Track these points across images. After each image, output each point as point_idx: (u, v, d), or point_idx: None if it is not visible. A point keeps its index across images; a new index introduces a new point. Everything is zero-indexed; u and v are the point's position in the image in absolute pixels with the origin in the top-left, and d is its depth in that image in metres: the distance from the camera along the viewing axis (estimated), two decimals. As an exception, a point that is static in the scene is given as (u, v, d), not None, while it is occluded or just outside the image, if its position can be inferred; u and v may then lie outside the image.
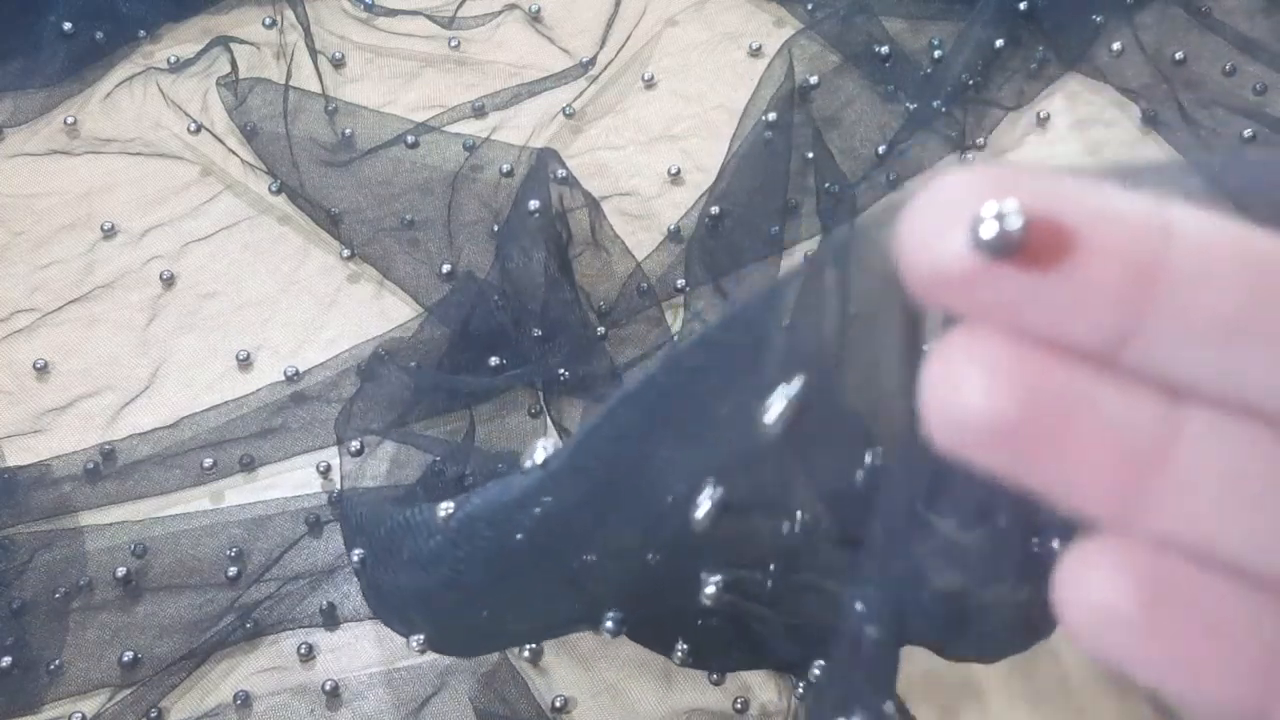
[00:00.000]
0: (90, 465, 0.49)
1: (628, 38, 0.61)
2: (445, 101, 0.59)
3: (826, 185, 0.55)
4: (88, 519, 0.48)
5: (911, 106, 0.57)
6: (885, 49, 0.58)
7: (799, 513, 0.27)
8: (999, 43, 0.58)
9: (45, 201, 0.56)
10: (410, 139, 0.56)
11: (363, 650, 0.46)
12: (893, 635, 0.26)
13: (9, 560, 0.47)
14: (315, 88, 0.58)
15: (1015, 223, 0.15)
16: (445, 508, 0.31)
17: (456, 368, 0.50)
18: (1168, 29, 0.59)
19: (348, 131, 0.57)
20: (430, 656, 0.44)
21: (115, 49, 0.60)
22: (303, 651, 0.46)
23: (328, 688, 0.45)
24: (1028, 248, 0.15)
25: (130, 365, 0.52)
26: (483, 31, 0.61)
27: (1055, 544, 0.23)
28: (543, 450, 0.27)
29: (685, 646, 0.33)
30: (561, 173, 0.54)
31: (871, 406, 0.23)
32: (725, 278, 0.53)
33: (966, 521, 0.25)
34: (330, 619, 0.46)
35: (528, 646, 0.45)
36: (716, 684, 0.45)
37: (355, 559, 0.41)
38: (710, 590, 0.28)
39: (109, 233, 0.55)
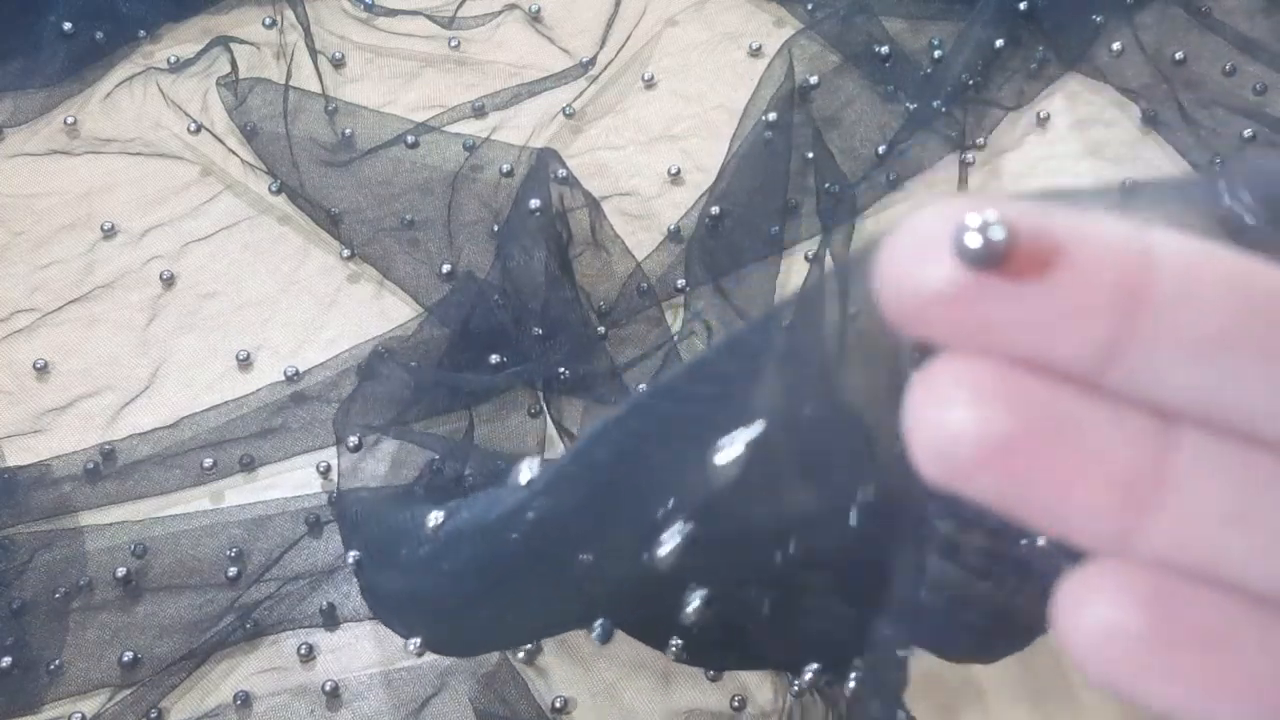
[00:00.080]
0: (90, 465, 0.49)
1: (628, 38, 0.61)
2: (445, 101, 0.59)
3: (826, 185, 0.55)
4: (88, 519, 0.48)
5: (911, 106, 0.57)
6: (885, 49, 0.58)
7: (791, 540, 0.26)
8: (999, 43, 0.58)
9: (45, 201, 0.56)
10: (410, 139, 0.56)
11: (363, 651, 0.46)
12: (904, 642, 0.26)
13: (9, 560, 0.47)
14: (315, 88, 0.58)
15: (999, 233, 0.15)
16: (435, 517, 0.31)
17: (456, 367, 0.50)
18: (1168, 29, 0.59)
19: (348, 131, 0.57)
20: (430, 657, 0.44)
21: (115, 49, 0.60)
22: (303, 652, 0.46)
23: (328, 688, 0.45)
24: (1011, 260, 0.15)
25: (130, 365, 0.52)
26: (483, 31, 0.61)
27: (1041, 541, 0.23)
28: (527, 470, 0.27)
29: (680, 642, 0.33)
30: (561, 173, 0.54)
31: (871, 410, 0.23)
32: (725, 278, 0.53)
33: (962, 522, 0.25)
34: (330, 619, 0.46)
35: (523, 647, 0.45)
36: (713, 680, 0.45)
37: (351, 560, 0.42)
38: (693, 606, 0.28)
39: (109, 233, 0.55)
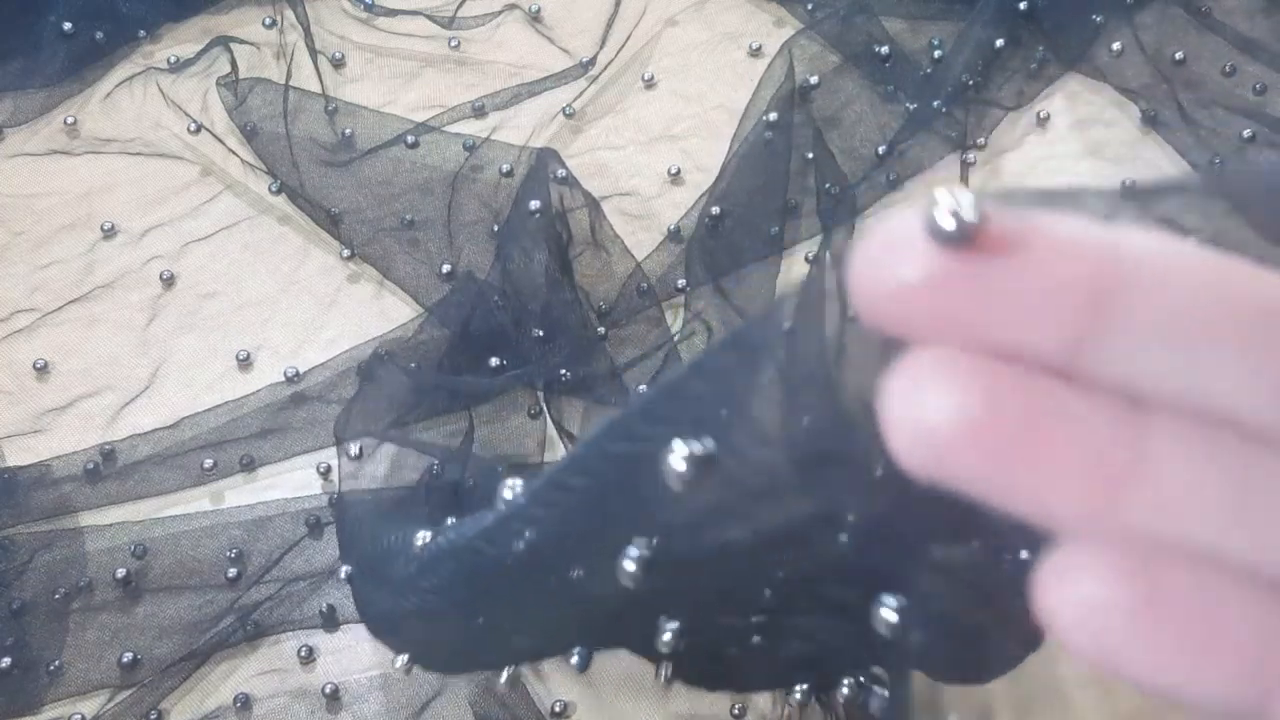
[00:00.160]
0: (90, 465, 0.49)
1: (628, 38, 0.60)
2: (445, 101, 0.58)
3: (827, 185, 0.55)
4: (88, 519, 0.48)
5: (911, 106, 0.57)
6: (885, 49, 0.58)
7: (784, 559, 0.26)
8: (999, 43, 0.58)
9: (45, 201, 0.56)
10: (410, 139, 0.56)
11: (363, 653, 0.46)
12: (904, 665, 0.26)
13: (9, 560, 0.47)
14: (315, 88, 0.58)
15: (970, 213, 0.16)
16: (422, 536, 0.31)
17: (456, 368, 0.50)
18: (1168, 29, 0.59)
19: (348, 131, 0.56)
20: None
21: (115, 49, 0.60)
22: (303, 654, 0.46)
23: (328, 690, 0.45)
24: (981, 240, 0.16)
25: (130, 365, 0.52)
26: (483, 31, 0.61)
27: (1024, 554, 0.22)
28: (510, 490, 0.27)
29: (669, 667, 0.33)
30: (561, 173, 0.54)
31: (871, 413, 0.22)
32: (725, 278, 0.53)
33: (948, 540, 0.25)
34: (330, 621, 0.46)
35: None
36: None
37: (344, 575, 0.41)
38: (667, 637, 0.28)
39: (109, 233, 0.55)
